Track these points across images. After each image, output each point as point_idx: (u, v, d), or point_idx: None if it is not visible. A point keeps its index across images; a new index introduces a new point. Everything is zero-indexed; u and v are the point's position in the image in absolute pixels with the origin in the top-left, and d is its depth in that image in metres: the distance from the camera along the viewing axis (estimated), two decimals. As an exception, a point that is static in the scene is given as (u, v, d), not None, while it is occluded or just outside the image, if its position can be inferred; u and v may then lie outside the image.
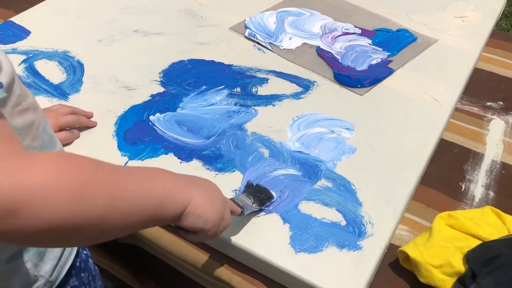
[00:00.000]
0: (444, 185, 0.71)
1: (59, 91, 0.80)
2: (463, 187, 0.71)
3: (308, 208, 0.63)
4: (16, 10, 1.01)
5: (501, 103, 0.85)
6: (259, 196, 0.63)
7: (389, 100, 0.80)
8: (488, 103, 0.85)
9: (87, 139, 0.72)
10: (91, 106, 0.78)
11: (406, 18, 1.00)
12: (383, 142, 0.73)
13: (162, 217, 0.45)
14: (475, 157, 0.75)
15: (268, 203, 0.64)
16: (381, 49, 0.91)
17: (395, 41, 0.93)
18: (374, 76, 0.84)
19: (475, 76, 0.90)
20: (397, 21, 0.99)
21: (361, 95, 0.81)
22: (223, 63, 0.88)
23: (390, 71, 0.86)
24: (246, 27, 0.97)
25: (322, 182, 0.67)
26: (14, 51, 0.89)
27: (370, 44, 0.92)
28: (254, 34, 0.94)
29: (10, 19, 0.97)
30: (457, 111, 0.83)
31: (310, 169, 0.69)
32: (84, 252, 0.64)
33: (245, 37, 0.95)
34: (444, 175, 0.72)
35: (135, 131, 0.74)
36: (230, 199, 0.58)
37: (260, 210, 0.63)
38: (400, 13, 1.01)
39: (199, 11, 1.02)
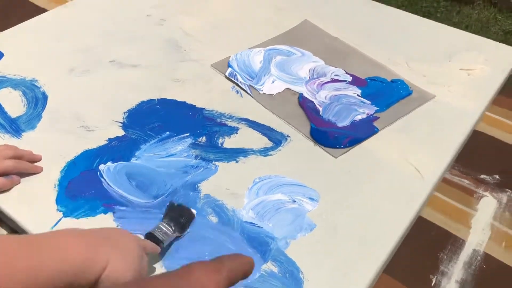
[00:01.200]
0: (411, 276, 0.62)
1: (14, 127, 0.76)
2: (434, 281, 0.62)
3: (245, 297, 0.56)
4: (-3, 29, 0.98)
5: (497, 177, 0.75)
6: (180, 221, 0.61)
7: (365, 166, 0.72)
8: (482, 176, 0.75)
9: (27, 186, 0.67)
10: (42, 146, 0.73)
11: (405, 66, 0.91)
12: (348, 218, 0.65)
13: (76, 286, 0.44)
14: (455, 244, 0.66)
15: (188, 227, 0.62)
16: (369, 102, 0.82)
17: (387, 94, 0.84)
18: (355, 135, 0.76)
19: (473, 141, 0.80)
20: (395, 69, 0.90)
21: (336, 157, 0.73)
22: (195, 105, 0.82)
23: (374, 131, 0.77)
24: (229, 66, 0.90)
25: (268, 266, 0.59)
26: (-19, 77, 0.85)
27: (358, 95, 0.84)
28: (235, 74, 0.88)
29: (-15, 40, 0.93)
30: (444, 182, 0.74)
31: (259, 246, 0.61)
32: None
33: (225, 76, 0.88)
34: (414, 263, 0.64)
35: (80, 182, 0.68)
36: (149, 233, 0.58)
37: (180, 236, 0.61)
38: (400, 60, 0.92)
39: (183, 42, 0.96)
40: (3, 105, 0.80)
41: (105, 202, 0.66)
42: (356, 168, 0.72)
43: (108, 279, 0.46)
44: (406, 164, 0.72)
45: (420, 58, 0.92)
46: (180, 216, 0.61)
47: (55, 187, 0.67)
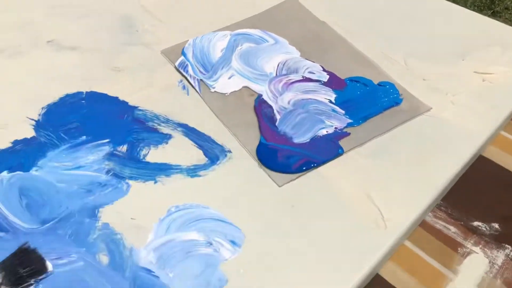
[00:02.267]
0: None
1: None
2: None
3: None
4: None
5: (496, 226, 0.57)
6: (19, 272, 0.48)
7: (314, 202, 0.56)
8: (476, 223, 0.57)
9: None
10: None
11: (402, 64, 0.72)
12: (274, 276, 0.50)
13: None
14: (416, 321, 0.50)
15: (31, 282, 0.48)
16: (343, 112, 0.65)
17: (368, 101, 0.66)
18: (312, 157, 0.59)
19: (474, 171, 0.61)
20: (387, 68, 0.71)
21: (279, 186, 0.57)
22: (127, 103, 0.67)
23: (338, 153, 0.60)
24: (182, 53, 0.74)
25: (151, 334, 0.46)
26: None
27: (331, 101, 0.67)
28: (186, 65, 0.72)
29: None
30: (423, 228, 0.57)
31: (149, 304, 0.48)
32: None
33: (175, 67, 0.73)
34: None
35: (-38, 195, 0.57)
36: None
37: None
38: (397, 55, 0.73)
39: (139, 20, 0.81)
40: None
41: (-18, 223, 0.54)
42: (301, 203, 0.56)
43: None
44: (369, 203, 0.55)
45: (423, 55, 0.73)
46: (22, 266, 0.48)
47: None
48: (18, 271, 0.48)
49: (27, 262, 0.48)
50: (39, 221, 0.54)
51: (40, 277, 0.49)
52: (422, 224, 0.57)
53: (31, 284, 0.48)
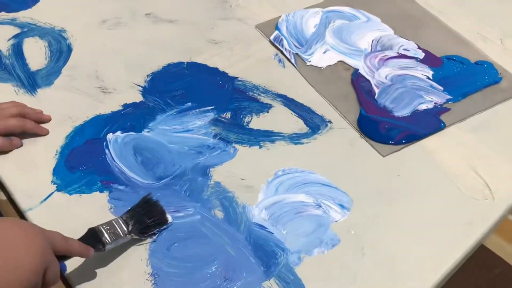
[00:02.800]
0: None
1: (31, 81, 0.70)
2: (485, 337, 0.47)
3: (234, 320, 0.46)
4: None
5: None
6: (145, 222, 0.51)
7: (418, 172, 0.57)
8: None
9: (27, 150, 0.61)
10: (55, 106, 0.66)
11: (499, 44, 0.71)
12: (382, 239, 0.51)
13: None
14: (524, 291, 0.50)
15: (154, 231, 0.52)
16: (442, 88, 0.66)
17: (467, 79, 0.67)
18: (414, 130, 0.61)
19: None
20: (484, 47, 0.71)
21: (383, 156, 0.59)
22: (227, 73, 0.70)
23: (440, 126, 0.61)
24: (276, 28, 0.76)
25: (270, 283, 0.48)
26: (12, 22, 0.79)
27: (429, 77, 0.67)
28: (281, 39, 0.74)
29: (24, -17, 0.88)
30: (525, 204, 0.57)
31: (265, 257, 0.50)
32: None
33: (270, 41, 0.75)
34: (463, 309, 0.49)
35: (83, 151, 0.61)
36: (91, 228, 0.48)
37: (139, 240, 0.51)
38: (493, 35, 0.73)
39: (232, -3, 0.83)
40: (25, 56, 0.74)
41: (104, 178, 0.58)
42: (406, 173, 0.57)
43: None
44: (474, 176, 0.56)
45: (521, 35, 0.72)
46: (147, 216, 0.51)
47: (56, 154, 0.60)
48: (144, 221, 0.51)
49: (151, 213, 0.52)
50: (155, 178, 0.58)
51: (162, 228, 0.52)
52: (524, 200, 0.57)
53: (155, 234, 0.52)
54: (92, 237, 0.47)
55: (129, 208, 0.52)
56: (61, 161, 0.60)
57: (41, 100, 0.67)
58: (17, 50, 0.75)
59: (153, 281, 0.49)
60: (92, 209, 0.54)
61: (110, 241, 0.47)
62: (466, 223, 0.52)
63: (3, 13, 0.82)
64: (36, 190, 0.57)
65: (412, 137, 0.60)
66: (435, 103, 0.64)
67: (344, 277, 0.49)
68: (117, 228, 0.49)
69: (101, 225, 0.48)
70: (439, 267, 0.49)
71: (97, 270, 0.50)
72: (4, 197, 0.61)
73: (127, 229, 0.49)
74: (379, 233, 0.52)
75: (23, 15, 0.81)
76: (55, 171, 0.59)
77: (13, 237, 0.39)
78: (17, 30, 0.78)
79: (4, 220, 0.41)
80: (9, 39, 0.77)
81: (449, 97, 0.64)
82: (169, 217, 0.53)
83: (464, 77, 0.67)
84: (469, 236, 0.51)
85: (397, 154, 0.59)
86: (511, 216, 0.56)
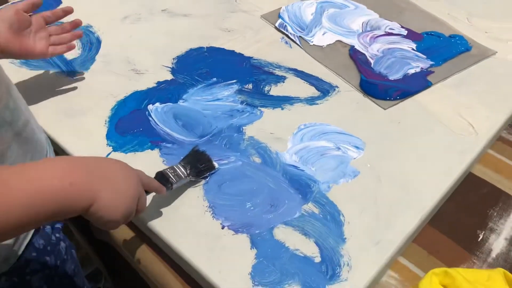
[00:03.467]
0: (457, 230, 0.60)
1: (69, 68, 0.79)
2: (481, 236, 0.59)
3: (284, 234, 0.56)
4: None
5: (560, 137, 0.70)
6: (198, 167, 0.60)
7: (415, 119, 0.69)
8: (544, 136, 0.71)
9: (79, 121, 0.70)
10: (95, 87, 0.75)
11: (466, 22, 0.86)
12: (393, 169, 0.63)
13: (62, 217, 0.43)
14: (507, 202, 0.63)
15: (206, 175, 0.62)
16: (425, 56, 0.79)
17: (444, 48, 0.80)
18: (407, 88, 0.73)
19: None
20: (454, 24, 0.85)
21: (385, 109, 0.71)
22: (243, 54, 0.81)
23: (427, 85, 0.74)
24: (279, 17, 0.88)
25: (309, 207, 0.59)
26: (40, 21, 0.88)
27: (413, 49, 0.81)
28: (285, 26, 0.86)
29: (46, -13, 0.97)
30: (500, 141, 0.70)
31: (301, 188, 0.61)
32: (56, 235, 0.63)
33: (275, 27, 0.87)
34: (461, 218, 0.61)
35: (129, 120, 0.70)
36: (159, 172, 0.56)
37: (195, 181, 0.61)
38: (460, 15, 0.87)
39: (235, -6, 0.95)
40: (60, 47, 0.82)
41: (152, 139, 0.67)
42: (405, 120, 0.69)
43: (94, 215, 0.44)
44: (459, 119, 0.69)
45: (484, 14, 0.87)
46: (199, 163, 0.60)
47: (105, 123, 0.69)
48: (198, 166, 0.61)
49: (202, 160, 0.62)
50: (197, 136, 0.68)
51: (212, 172, 0.62)
52: (499, 138, 0.71)
53: (206, 177, 0.62)
54: (162, 178, 0.56)
55: (181, 158, 0.61)
56: (112, 128, 0.69)
57: (81, 82, 0.76)
58: (51, 43, 0.83)
59: (211, 212, 0.58)
60: (148, 163, 0.63)
61: (175, 181, 0.57)
62: (459, 152, 0.64)
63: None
64: (96, 152, 0.65)
65: (406, 94, 0.72)
66: (421, 67, 0.77)
67: (367, 198, 0.60)
68: (178, 171, 0.58)
69: (166, 169, 0.57)
70: (441, 186, 0.61)
71: (164, 209, 0.59)
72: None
73: (186, 172, 0.58)
74: (390, 164, 0.63)
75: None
76: (108, 136, 0.68)
77: (116, 172, 0.47)
78: (46, 27, 0.87)
79: (105, 159, 0.49)
80: (42, 35, 0.85)
81: (431, 62, 0.78)
82: (216, 164, 0.63)
83: (441, 47, 0.80)
84: (461, 161, 0.63)
85: (396, 107, 0.71)
86: (490, 150, 0.69)
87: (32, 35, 0.65)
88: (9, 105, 0.52)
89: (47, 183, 0.40)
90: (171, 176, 0.57)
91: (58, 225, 0.64)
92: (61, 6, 0.91)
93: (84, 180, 0.43)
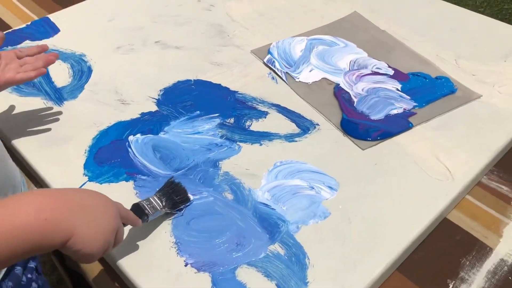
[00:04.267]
0: (427, 279, 0.58)
1: (57, 96, 0.81)
2: (451, 286, 0.58)
3: (247, 275, 0.56)
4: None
5: (541, 186, 0.69)
6: (174, 199, 0.61)
7: (392, 160, 0.69)
8: (524, 184, 0.69)
9: (61, 149, 0.71)
10: (80, 114, 0.77)
11: (454, 64, 0.86)
12: (365, 211, 0.62)
13: (40, 252, 0.43)
14: (480, 251, 0.61)
15: (181, 207, 0.62)
16: (408, 97, 0.79)
17: (429, 90, 0.80)
18: (387, 129, 0.73)
19: (520, 146, 0.74)
20: (441, 66, 0.85)
21: (363, 149, 0.71)
22: (228, 88, 0.82)
23: (408, 126, 0.74)
24: (269, 52, 0.90)
25: (275, 247, 0.58)
26: (37, 48, 0.91)
27: (398, 89, 0.81)
28: (273, 61, 0.87)
29: (46, 16, 1.00)
30: (479, 186, 0.69)
31: (269, 227, 0.61)
32: (28, 275, 0.62)
33: (263, 63, 0.88)
34: (432, 266, 0.60)
35: (109, 150, 0.71)
36: (136, 204, 0.57)
37: (170, 213, 0.61)
38: (449, 56, 0.87)
39: (228, 28, 0.97)
40: (51, 75, 0.85)
41: (128, 170, 0.68)
42: (382, 162, 0.69)
43: (71, 249, 0.44)
44: (437, 162, 0.68)
45: (471, 56, 0.87)
46: (174, 194, 0.61)
47: (85, 153, 0.71)
48: (173, 198, 0.61)
49: (177, 192, 0.62)
50: (172, 169, 0.68)
51: (187, 204, 0.62)
52: (479, 184, 0.70)
53: (181, 209, 0.62)
54: (138, 210, 0.57)
55: (156, 190, 0.62)
56: (90, 158, 0.70)
57: (68, 110, 0.78)
58: (44, 70, 0.86)
59: (176, 248, 0.58)
60: (121, 195, 0.63)
61: (151, 213, 0.57)
62: (433, 197, 0.64)
63: (27, 41, 0.93)
64: (71, 181, 0.66)
65: (386, 134, 0.72)
66: (404, 108, 0.77)
67: (335, 240, 0.59)
68: (154, 203, 0.59)
69: (142, 201, 0.58)
70: (412, 231, 0.60)
71: (130, 242, 0.59)
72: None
73: (162, 204, 0.59)
74: (362, 206, 0.63)
75: (46, 43, 0.92)
76: (86, 166, 0.69)
77: (95, 205, 0.48)
78: (42, 55, 0.90)
79: (85, 191, 0.49)
80: (36, 62, 0.88)
81: (415, 104, 0.78)
82: (191, 196, 0.63)
83: (426, 89, 0.80)
84: (435, 206, 0.62)
85: (374, 148, 0.71)
86: (468, 196, 0.68)
87: (1, 67, 0.66)
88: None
89: (22, 220, 0.41)
90: (147, 208, 0.58)
91: (32, 265, 0.63)
92: (57, 36, 0.94)
93: (60, 215, 0.43)
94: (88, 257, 0.47)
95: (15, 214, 0.41)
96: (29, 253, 0.42)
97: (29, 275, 0.63)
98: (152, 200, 0.59)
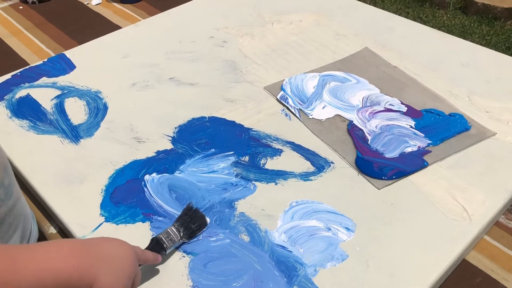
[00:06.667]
0: (447, 324, 0.58)
1: (74, 133, 0.82)
2: (473, 332, 0.57)
3: (265, 320, 0.55)
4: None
5: (560, 226, 0.68)
6: (191, 227, 0.62)
7: (408, 200, 0.69)
8: (543, 224, 0.69)
9: (78, 189, 0.72)
10: (97, 152, 0.77)
11: (467, 100, 0.86)
12: (383, 253, 0.62)
13: None
14: (501, 294, 0.61)
15: (198, 234, 0.64)
16: (423, 135, 0.79)
17: (443, 127, 0.80)
18: (402, 168, 0.73)
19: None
20: (455, 102, 0.86)
21: (379, 189, 0.71)
22: (243, 125, 0.83)
23: (424, 165, 0.74)
24: (282, 89, 0.91)
25: (293, 291, 0.58)
26: (53, 85, 0.93)
27: (412, 126, 0.81)
28: (286, 98, 0.88)
29: (63, 52, 1.02)
30: (498, 226, 0.69)
31: (287, 270, 0.60)
32: None
33: (277, 99, 0.89)
34: (453, 310, 0.59)
35: (124, 189, 0.71)
36: (155, 237, 0.59)
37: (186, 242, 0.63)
38: (462, 93, 0.88)
39: (241, 64, 0.98)
40: (67, 113, 0.86)
41: (145, 211, 0.68)
42: (398, 202, 0.69)
43: None
44: (454, 202, 0.68)
45: (484, 93, 0.87)
46: (192, 223, 0.63)
47: (101, 192, 0.71)
48: (191, 226, 0.63)
49: (195, 219, 0.63)
50: (188, 210, 0.68)
51: (204, 229, 0.64)
52: (496, 223, 0.69)
53: (198, 235, 0.63)
54: (157, 245, 0.58)
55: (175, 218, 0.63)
56: (107, 197, 0.70)
57: (84, 148, 0.79)
58: (60, 108, 0.87)
59: (194, 292, 0.58)
60: (137, 236, 0.64)
61: (169, 246, 0.59)
62: (451, 239, 0.63)
63: (44, 78, 0.95)
64: (87, 222, 0.67)
65: (401, 173, 0.72)
66: (418, 146, 0.77)
67: (353, 284, 0.59)
68: (172, 235, 0.60)
69: (161, 234, 0.60)
70: (430, 274, 0.59)
71: (147, 284, 0.59)
72: (54, 231, 0.71)
73: (180, 235, 0.61)
74: (380, 249, 0.62)
75: (62, 80, 0.94)
76: (102, 206, 0.69)
77: (115, 253, 0.50)
78: (58, 92, 0.91)
79: (106, 240, 0.52)
80: (52, 99, 0.89)
81: (429, 141, 0.78)
82: (208, 219, 0.65)
83: (440, 126, 0.80)
84: (453, 249, 0.62)
85: (390, 187, 0.71)
86: (486, 236, 0.67)
87: None
88: (4, 183, 0.54)
89: (53, 264, 0.44)
90: (166, 242, 0.59)
91: None
92: (73, 72, 0.96)
93: (85, 263, 0.46)
94: None
95: (47, 258, 0.44)
96: None
97: None
98: (170, 231, 0.60)
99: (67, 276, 0.44)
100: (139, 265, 0.54)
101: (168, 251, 0.59)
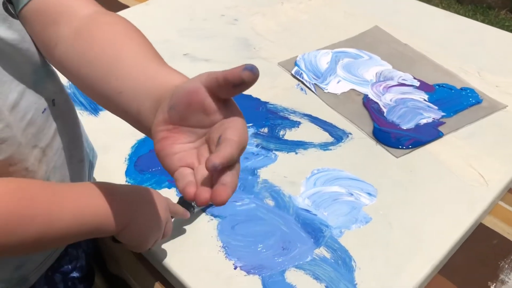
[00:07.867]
0: (468, 282, 0.60)
1: (92, 106, 0.82)
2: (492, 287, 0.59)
3: (295, 277, 0.57)
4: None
5: None
6: None
7: (426, 168, 0.71)
8: (555, 190, 0.71)
9: (101, 159, 0.72)
10: (116, 125, 0.78)
11: (477, 76, 0.89)
12: (405, 216, 0.64)
13: (97, 235, 0.48)
14: (518, 255, 0.63)
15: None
16: (436, 107, 0.81)
17: (455, 100, 0.83)
18: (418, 138, 0.75)
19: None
20: (465, 78, 0.88)
21: (397, 157, 0.73)
22: (259, 99, 0.84)
23: (439, 135, 0.76)
24: (296, 64, 0.92)
25: (321, 251, 0.60)
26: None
27: (425, 100, 0.83)
28: (301, 73, 0.90)
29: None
30: (511, 193, 0.71)
31: (313, 232, 0.62)
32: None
33: (291, 74, 0.90)
34: (472, 269, 0.61)
35: (148, 158, 0.72)
36: (182, 197, 0.61)
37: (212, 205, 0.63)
38: (472, 69, 0.90)
39: (254, 41, 0.99)
40: (85, 86, 0.86)
41: (170, 178, 0.69)
42: (417, 169, 0.71)
43: (125, 236, 0.50)
44: (470, 169, 0.70)
45: (494, 69, 0.90)
46: None
47: (125, 161, 0.72)
48: None
49: None
50: (212, 177, 0.69)
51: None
52: (510, 191, 0.71)
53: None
54: (184, 203, 0.60)
55: None
56: (131, 166, 0.71)
57: (104, 120, 0.79)
58: (77, 82, 0.87)
59: (224, 252, 0.59)
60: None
61: (196, 206, 0.60)
62: (469, 202, 0.65)
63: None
64: (113, 188, 0.67)
65: (417, 143, 0.74)
66: (433, 118, 0.79)
67: (378, 244, 0.60)
68: None
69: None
70: (450, 237, 0.61)
71: (179, 247, 0.60)
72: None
73: None
74: (402, 212, 0.64)
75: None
76: (127, 173, 0.70)
77: (148, 199, 0.52)
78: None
79: (139, 187, 0.54)
80: (68, 74, 0.89)
81: (443, 113, 0.80)
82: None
83: (453, 99, 0.83)
84: (472, 212, 0.64)
85: (408, 156, 0.73)
86: (501, 201, 0.70)
87: None
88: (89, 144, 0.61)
89: (92, 202, 0.46)
90: (192, 201, 0.60)
91: (75, 274, 0.65)
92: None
93: (121, 206, 0.48)
94: (141, 245, 0.52)
95: (88, 195, 0.46)
96: (90, 234, 0.47)
97: (69, 283, 0.64)
98: None
99: (104, 216, 0.46)
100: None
101: (195, 210, 0.61)
